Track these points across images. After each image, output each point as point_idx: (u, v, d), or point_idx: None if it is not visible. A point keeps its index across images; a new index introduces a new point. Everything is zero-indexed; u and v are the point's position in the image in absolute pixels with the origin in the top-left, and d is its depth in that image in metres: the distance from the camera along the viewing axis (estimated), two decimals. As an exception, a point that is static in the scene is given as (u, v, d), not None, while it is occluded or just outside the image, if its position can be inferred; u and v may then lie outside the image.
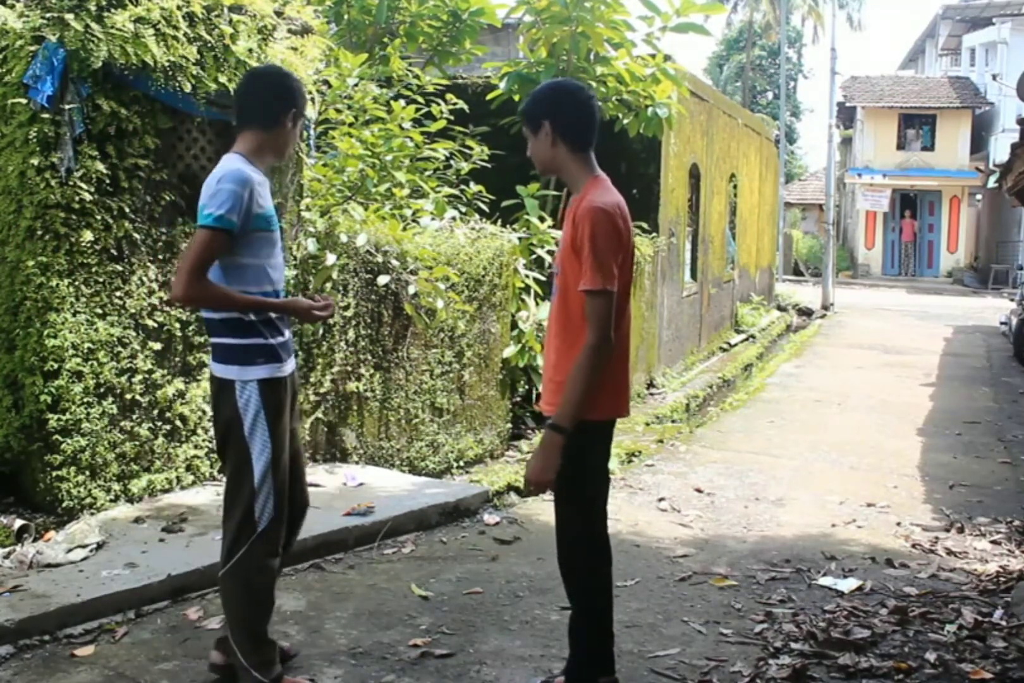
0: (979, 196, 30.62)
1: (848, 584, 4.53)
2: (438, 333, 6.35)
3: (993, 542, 5.36)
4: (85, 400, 4.38)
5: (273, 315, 3.06)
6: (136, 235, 4.54)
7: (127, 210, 4.48)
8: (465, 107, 7.60)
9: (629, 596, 4.25)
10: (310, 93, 5.33)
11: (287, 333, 3.12)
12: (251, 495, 3.00)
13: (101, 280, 4.42)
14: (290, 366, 3.11)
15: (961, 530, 5.56)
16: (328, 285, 5.49)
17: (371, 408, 5.93)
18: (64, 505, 4.34)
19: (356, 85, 6.82)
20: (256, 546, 3.01)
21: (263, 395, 2.99)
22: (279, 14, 5.18)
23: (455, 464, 6.52)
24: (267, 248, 3.04)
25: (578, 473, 3.04)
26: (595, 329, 2.85)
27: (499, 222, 7.44)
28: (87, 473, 4.42)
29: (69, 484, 4.35)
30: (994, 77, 24.89)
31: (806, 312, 20.02)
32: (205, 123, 4.87)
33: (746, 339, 14.39)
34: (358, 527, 4.71)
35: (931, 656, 3.70)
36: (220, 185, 2.89)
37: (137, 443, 4.64)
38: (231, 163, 2.97)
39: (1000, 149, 23.91)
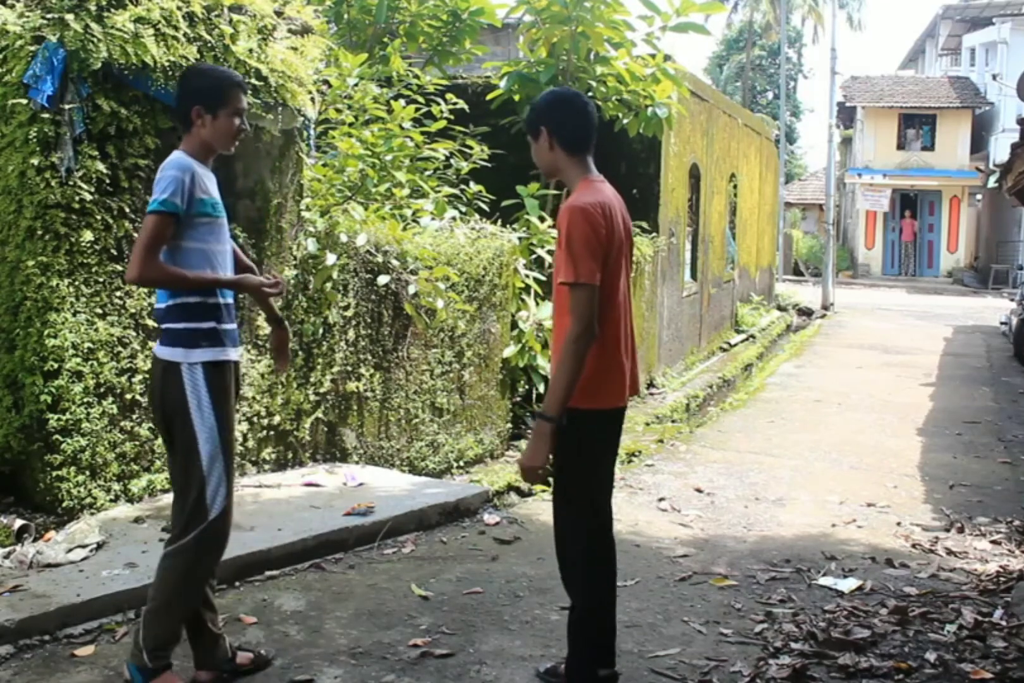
0: (979, 196, 30.64)
1: (848, 584, 4.53)
2: (438, 333, 6.35)
3: (993, 542, 5.36)
4: (85, 400, 4.38)
5: (221, 301, 3.15)
6: (136, 235, 4.54)
7: (127, 210, 4.48)
8: (465, 107, 7.60)
9: (629, 596, 4.25)
10: (310, 93, 5.34)
11: (233, 323, 3.21)
12: (201, 482, 3.04)
13: (101, 280, 4.42)
14: (235, 354, 3.19)
15: (961, 530, 5.56)
16: (328, 285, 5.49)
17: (371, 408, 5.93)
18: (64, 505, 4.34)
19: (356, 85, 6.82)
20: (205, 533, 3.05)
21: (208, 377, 3.06)
22: (279, 14, 5.18)
23: (455, 464, 6.52)
24: (213, 234, 3.15)
25: (575, 464, 3.08)
26: (575, 319, 2.99)
27: (499, 222, 7.44)
28: (87, 473, 4.42)
29: (69, 484, 4.35)
30: (994, 77, 24.89)
31: (806, 312, 20.02)
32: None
33: (746, 339, 14.39)
34: (358, 527, 4.71)
35: (931, 656, 3.71)
36: (163, 173, 3.05)
37: (137, 443, 4.64)
38: (173, 155, 3.13)
39: (1000, 149, 23.93)
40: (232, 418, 3.15)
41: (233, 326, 3.21)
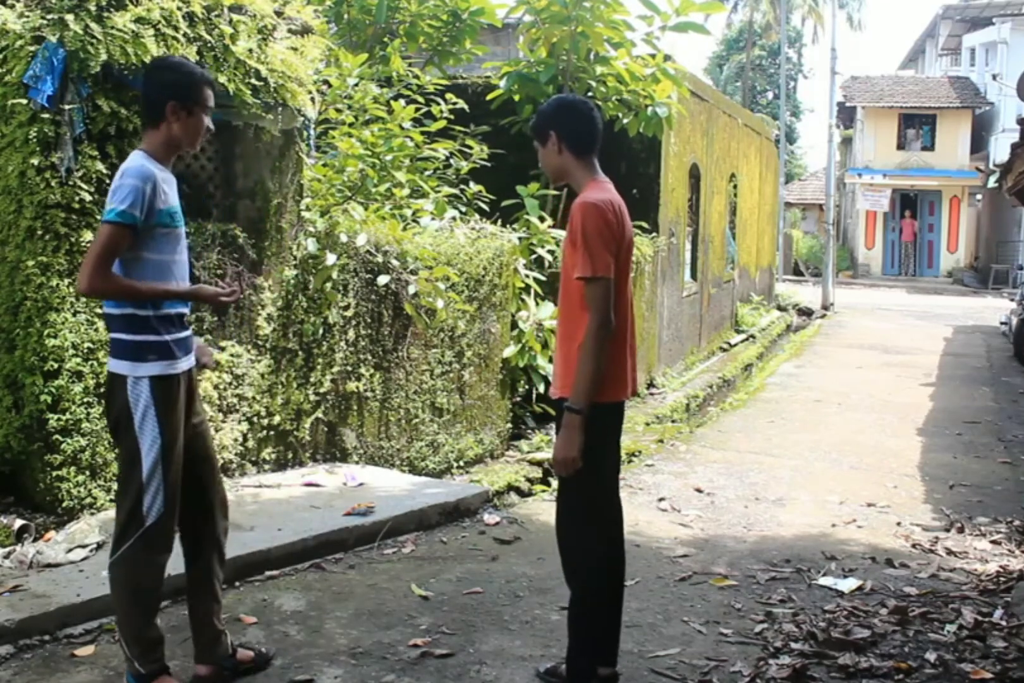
0: (979, 196, 30.63)
1: (848, 584, 4.53)
2: (438, 333, 6.35)
3: (993, 542, 5.36)
4: (85, 400, 4.38)
5: (172, 311, 3.10)
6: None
7: (127, 210, 4.47)
8: (465, 107, 7.60)
9: (629, 596, 4.22)
10: (310, 93, 5.34)
11: (186, 331, 3.17)
12: (139, 490, 3.02)
13: (101, 280, 4.41)
14: (185, 363, 3.14)
15: (961, 530, 5.56)
16: (328, 285, 5.49)
17: (371, 408, 5.93)
18: (64, 505, 4.34)
19: (356, 85, 6.81)
20: (142, 541, 3.03)
21: (154, 391, 3.02)
22: (279, 14, 5.18)
23: (455, 464, 6.52)
24: (171, 244, 3.09)
25: (581, 457, 3.10)
26: (594, 313, 3.07)
27: (499, 222, 7.44)
28: (87, 473, 4.42)
29: (69, 484, 4.35)
30: (994, 77, 24.89)
31: (806, 312, 20.02)
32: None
33: (746, 339, 14.39)
34: (358, 527, 4.71)
35: (931, 656, 3.71)
36: (122, 181, 2.95)
37: (137, 443, 4.63)
38: (134, 160, 3.03)
39: (1000, 149, 23.93)
40: (178, 428, 3.09)
41: (186, 333, 3.16)
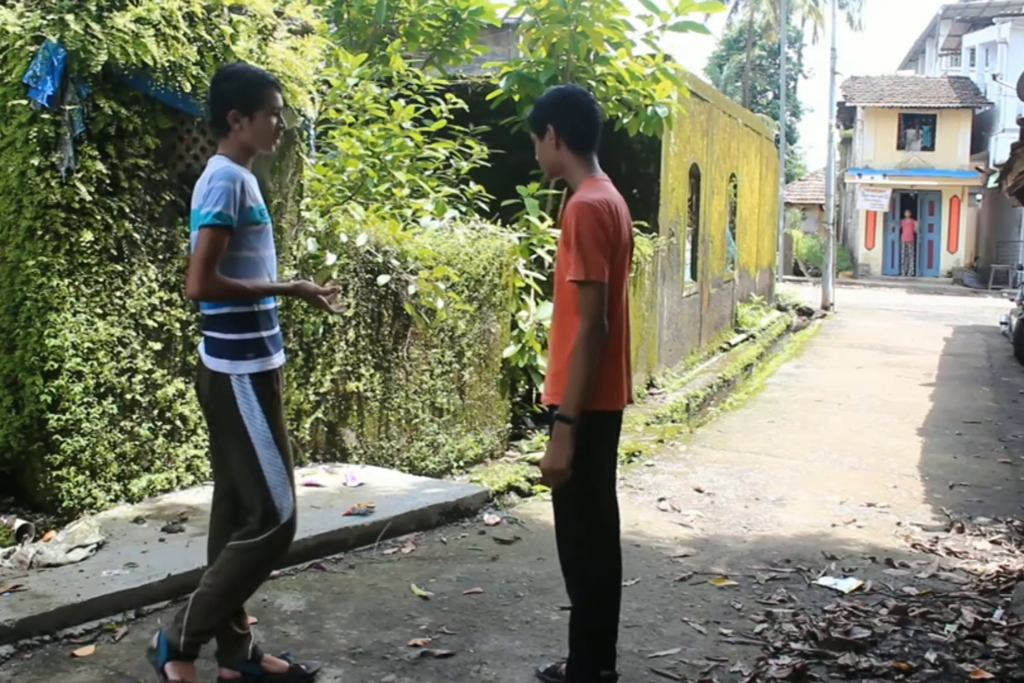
0: (979, 196, 30.62)
1: (848, 584, 4.53)
2: (438, 333, 6.35)
3: (993, 542, 5.36)
4: (85, 400, 4.38)
5: (267, 308, 3.15)
6: (136, 235, 4.54)
7: (127, 210, 4.48)
8: (465, 107, 7.60)
9: (629, 596, 4.24)
10: (310, 93, 5.34)
11: (277, 327, 3.22)
12: (266, 488, 3.08)
13: (101, 280, 4.42)
14: (279, 359, 3.19)
15: (961, 530, 5.56)
16: (328, 285, 5.48)
17: (371, 408, 5.93)
18: (64, 505, 4.34)
19: (356, 85, 6.81)
20: (278, 535, 3.10)
21: (257, 387, 3.07)
22: (279, 14, 5.18)
23: (455, 464, 6.52)
24: (261, 241, 3.15)
25: (576, 466, 3.04)
26: (585, 317, 2.96)
27: (499, 222, 7.43)
28: (87, 473, 4.42)
29: (69, 484, 4.35)
30: (994, 77, 24.87)
31: (806, 312, 20.02)
32: (205, 123, 4.87)
33: (746, 339, 14.39)
34: (358, 527, 4.71)
35: (931, 656, 3.71)
36: (212, 184, 3.01)
37: (137, 443, 4.63)
38: (217, 163, 3.10)
39: (1000, 149, 23.92)
40: (284, 422, 3.17)
41: (277, 330, 3.21)
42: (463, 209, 7.54)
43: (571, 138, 3.12)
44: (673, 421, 8.71)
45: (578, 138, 3.13)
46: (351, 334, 5.73)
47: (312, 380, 5.52)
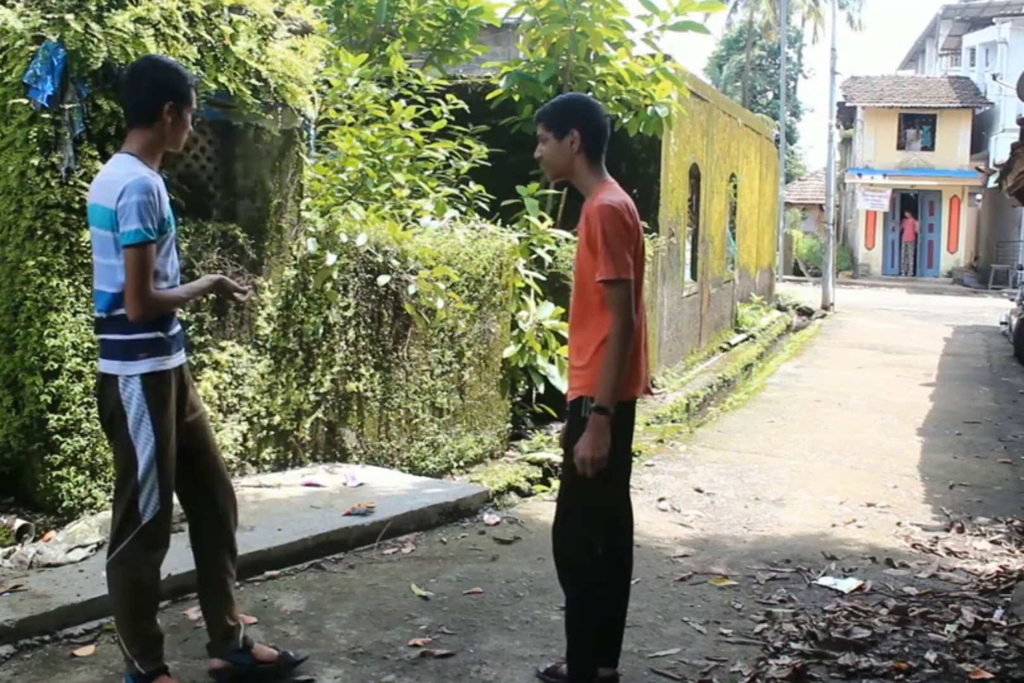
0: (979, 196, 30.61)
1: (848, 584, 4.53)
2: (438, 333, 6.35)
3: (993, 542, 5.36)
4: (85, 400, 4.37)
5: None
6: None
7: (127, 210, 4.47)
8: (465, 107, 7.61)
9: (629, 596, 4.24)
10: (310, 93, 5.34)
11: (178, 326, 3.18)
12: (135, 488, 3.03)
13: (101, 280, 4.41)
14: (177, 359, 3.15)
15: (961, 530, 5.56)
16: (328, 285, 5.49)
17: (371, 408, 5.93)
18: (64, 505, 4.34)
19: (356, 85, 6.82)
20: (139, 539, 3.04)
21: (146, 389, 3.02)
22: (279, 14, 5.18)
23: (455, 464, 6.52)
24: (165, 246, 3.10)
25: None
26: (618, 315, 3.08)
27: (499, 222, 7.44)
28: (87, 473, 4.42)
29: (69, 484, 4.35)
30: (994, 77, 24.87)
31: (806, 312, 20.02)
32: (205, 123, 4.88)
33: (746, 339, 14.39)
34: (358, 527, 4.71)
35: (931, 656, 3.71)
36: (129, 199, 2.92)
37: (137, 443, 4.63)
38: (126, 167, 2.99)
39: (1000, 149, 23.92)
40: (171, 425, 3.09)
41: (178, 329, 3.17)
42: (463, 209, 7.54)
43: (590, 145, 3.23)
44: (673, 421, 8.70)
45: (595, 146, 3.25)
46: (351, 334, 5.73)
47: (312, 380, 5.52)
